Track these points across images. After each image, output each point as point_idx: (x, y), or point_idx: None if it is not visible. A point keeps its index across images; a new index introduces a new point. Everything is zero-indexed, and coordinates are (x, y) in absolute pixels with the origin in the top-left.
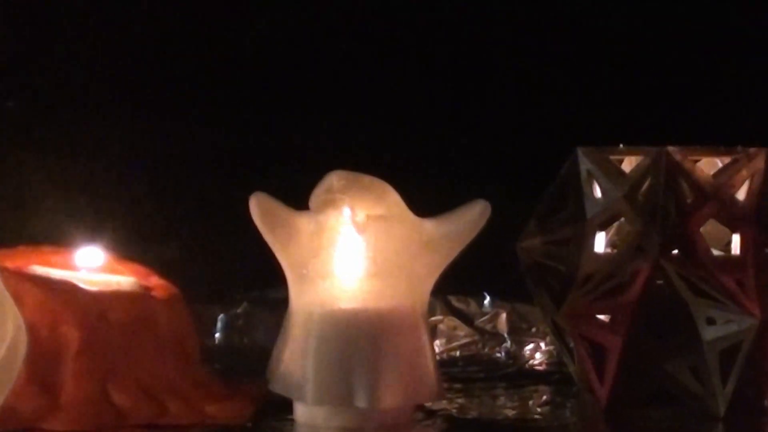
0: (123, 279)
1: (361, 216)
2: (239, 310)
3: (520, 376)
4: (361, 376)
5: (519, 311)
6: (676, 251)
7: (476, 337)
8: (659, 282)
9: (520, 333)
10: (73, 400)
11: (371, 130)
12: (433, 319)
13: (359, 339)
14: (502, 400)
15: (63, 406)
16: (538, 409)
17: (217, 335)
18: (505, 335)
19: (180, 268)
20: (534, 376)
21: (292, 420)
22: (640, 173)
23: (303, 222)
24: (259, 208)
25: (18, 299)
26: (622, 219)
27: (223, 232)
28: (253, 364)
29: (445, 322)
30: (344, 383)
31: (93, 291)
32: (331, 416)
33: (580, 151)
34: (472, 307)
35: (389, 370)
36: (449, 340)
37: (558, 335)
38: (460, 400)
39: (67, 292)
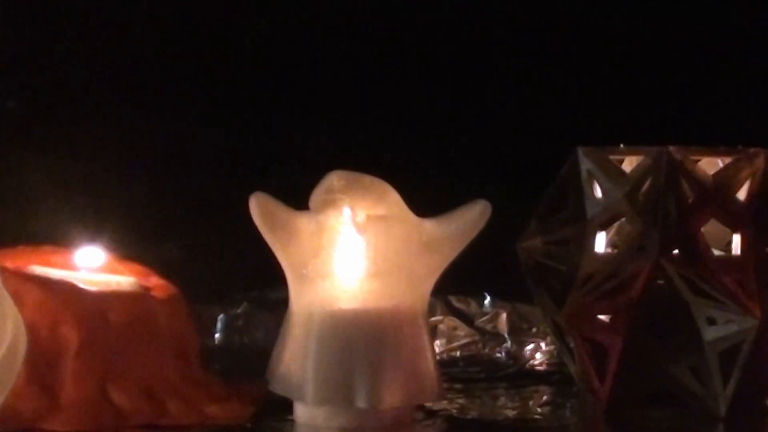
0: (123, 279)
1: (361, 216)
2: (239, 311)
3: (521, 376)
4: (362, 377)
5: (519, 311)
6: (676, 251)
7: (476, 338)
8: (660, 282)
9: (520, 333)
10: (73, 401)
11: (371, 130)
12: (433, 319)
13: (359, 339)
14: (502, 400)
15: (63, 406)
16: (539, 410)
17: (217, 335)
18: (506, 335)
19: (180, 268)
20: (534, 377)
21: (292, 420)
22: (640, 173)
23: (303, 222)
24: (259, 208)
25: (18, 299)
26: (623, 219)
27: (223, 232)
28: (253, 365)
29: (446, 322)
30: (344, 383)
31: (93, 291)
32: (331, 416)
33: (580, 151)
34: (473, 307)
35: (389, 371)
36: (449, 341)
37: (558, 335)
38: (460, 401)
39: (67, 292)
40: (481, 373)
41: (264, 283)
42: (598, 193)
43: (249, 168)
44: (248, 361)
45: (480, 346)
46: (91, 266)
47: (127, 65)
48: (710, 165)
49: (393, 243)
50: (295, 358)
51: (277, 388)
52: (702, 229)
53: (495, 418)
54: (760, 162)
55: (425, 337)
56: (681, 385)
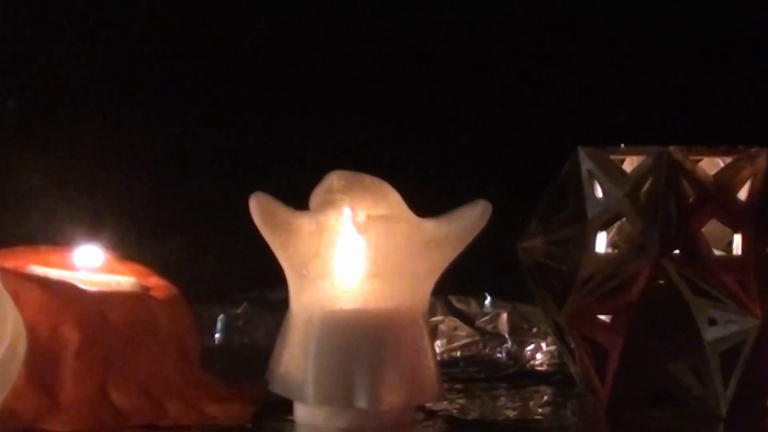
0: (123, 279)
1: (361, 216)
2: (239, 311)
3: (521, 376)
4: (362, 377)
5: (520, 311)
6: (677, 251)
7: (477, 338)
8: (660, 282)
9: (521, 333)
10: (73, 401)
11: (371, 130)
12: (433, 319)
13: (360, 339)
14: (503, 400)
15: (62, 406)
16: (539, 410)
17: (217, 335)
18: (506, 335)
19: (180, 268)
20: (535, 377)
21: (292, 421)
22: (641, 173)
23: (303, 222)
24: (259, 208)
25: (17, 299)
26: (623, 219)
27: (223, 232)
28: (253, 365)
29: (446, 323)
30: (344, 384)
31: (93, 291)
32: (332, 417)
33: (581, 151)
34: (473, 307)
35: (390, 371)
36: (450, 341)
37: (559, 335)
38: (460, 401)
39: (66, 292)
40: (482, 374)
41: (264, 283)
42: (599, 193)
43: (249, 168)
44: (248, 361)
45: (480, 346)
46: (90, 266)
47: (127, 65)
48: (711, 165)
49: (393, 243)
50: (295, 359)
51: (277, 388)
52: (703, 229)
53: (495, 418)
54: (760, 162)
55: (426, 338)
56: (681, 385)
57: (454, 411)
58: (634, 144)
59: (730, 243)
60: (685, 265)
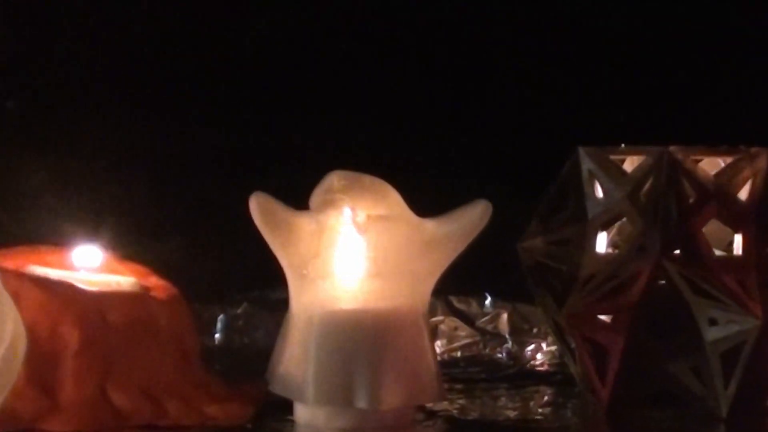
0: (123, 279)
1: (361, 216)
2: (239, 311)
3: (522, 376)
4: (362, 377)
5: (520, 312)
6: (677, 251)
7: (477, 338)
8: (661, 282)
9: (521, 333)
10: (73, 401)
11: (371, 130)
12: (434, 319)
13: (360, 340)
14: (503, 400)
15: (62, 406)
16: (540, 410)
17: (217, 335)
18: (507, 336)
19: (180, 268)
20: (535, 377)
21: (292, 421)
22: (641, 173)
23: (303, 222)
24: (259, 208)
25: (17, 300)
26: (624, 219)
27: (223, 232)
28: (253, 365)
29: (446, 323)
30: (345, 384)
31: (92, 291)
32: (332, 417)
33: (581, 151)
34: (474, 307)
35: (390, 371)
36: (450, 341)
37: (559, 336)
38: (461, 401)
39: (66, 292)
40: (482, 374)
41: (264, 283)
42: (599, 193)
43: (249, 168)
44: (248, 361)
45: (481, 346)
46: (90, 266)
47: (127, 65)
48: (711, 165)
49: (393, 243)
50: (296, 359)
51: (277, 388)
52: (703, 229)
53: (496, 418)
54: (761, 162)
55: (426, 338)
56: (682, 385)
57: (455, 411)
58: (635, 144)
59: (731, 243)
60: (685, 265)
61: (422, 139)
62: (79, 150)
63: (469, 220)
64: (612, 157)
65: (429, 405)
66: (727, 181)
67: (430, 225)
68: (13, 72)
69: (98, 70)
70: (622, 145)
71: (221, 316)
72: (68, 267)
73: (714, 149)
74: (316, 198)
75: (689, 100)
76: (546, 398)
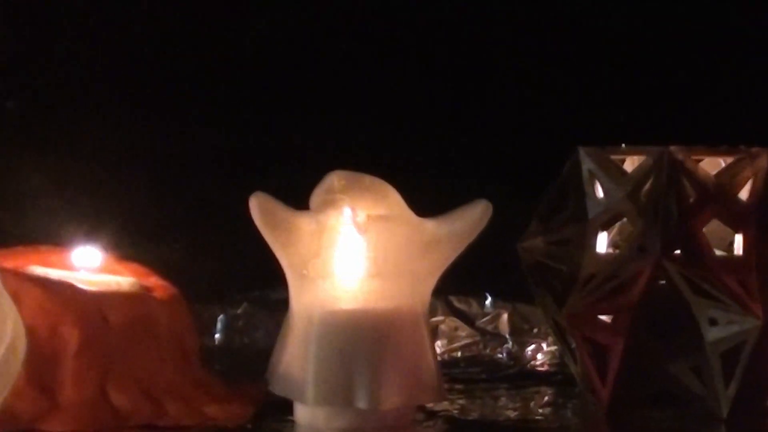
0: (123, 279)
1: (361, 216)
2: (239, 311)
3: (522, 377)
4: (362, 377)
5: (520, 312)
6: (678, 251)
7: (478, 338)
8: (661, 282)
9: (521, 334)
10: (73, 401)
11: (371, 130)
12: (434, 319)
13: (360, 340)
14: (503, 401)
15: (62, 406)
16: (540, 410)
17: (217, 335)
18: (507, 336)
19: (180, 268)
20: (536, 377)
21: (292, 421)
22: (642, 173)
23: (303, 222)
24: (259, 208)
25: (17, 300)
26: (624, 219)
27: (223, 232)
28: (253, 365)
29: (447, 323)
30: (345, 384)
31: (92, 291)
32: (332, 417)
33: (581, 151)
34: (474, 307)
35: (390, 371)
36: (450, 341)
37: (560, 336)
38: (461, 401)
39: (66, 292)
40: (482, 374)
41: (264, 283)
42: (600, 193)
43: (249, 168)
44: (248, 361)
45: (481, 346)
46: (90, 266)
47: (127, 65)
48: (712, 165)
49: (394, 243)
50: (296, 359)
51: (277, 388)
52: (704, 229)
53: (496, 418)
54: (762, 162)
55: (426, 338)
56: (682, 385)
57: (455, 411)
58: (635, 144)
59: (731, 243)
60: (686, 265)
61: (422, 139)
62: (79, 150)
63: (470, 220)
64: (612, 157)
65: (429, 405)
66: (727, 181)
67: (430, 225)
68: (13, 72)
69: (98, 70)
70: (623, 145)
71: (221, 316)
72: (68, 267)
73: (714, 149)
74: (316, 198)
75: (689, 100)
76: (546, 398)
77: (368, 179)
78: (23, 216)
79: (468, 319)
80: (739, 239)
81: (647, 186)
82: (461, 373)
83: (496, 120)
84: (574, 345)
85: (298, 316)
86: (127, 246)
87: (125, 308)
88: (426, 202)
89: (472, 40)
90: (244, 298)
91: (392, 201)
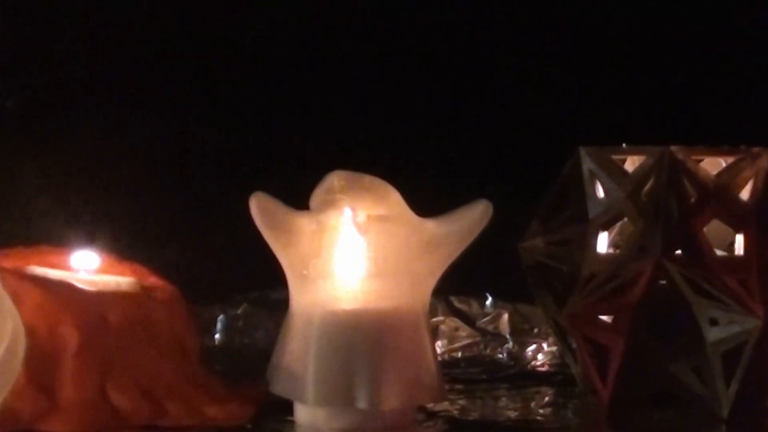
0: (122, 280)
1: (362, 216)
2: (239, 311)
3: (522, 377)
4: (362, 377)
5: (521, 312)
6: (679, 251)
7: (478, 338)
8: (662, 282)
9: (522, 334)
10: (72, 401)
11: (371, 130)
12: (434, 319)
13: (360, 340)
14: (504, 401)
15: (62, 407)
16: (541, 411)
17: (217, 336)
18: (507, 336)
19: (180, 268)
20: (536, 377)
21: (293, 421)
22: (642, 173)
23: (304, 222)
24: (259, 208)
25: (17, 300)
26: (625, 219)
27: (223, 232)
28: (253, 365)
29: (447, 323)
30: (345, 384)
31: (92, 292)
32: (332, 417)
33: (582, 151)
34: (474, 307)
35: (390, 371)
36: (451, 341)
37: (560, 336)
38: (461, 402)
39: (66, 292)
40: (483, 374)
41: (264, 284)
42: (600, 193)
43: (249, 168)
44: (248, 361)
45: (481, 346)
46: (89, 267)
47: (127, 65)
48: (713, 165)
49: (394, 243)
50: (296, 359)
51: (278, 388)
52: (704, 229)
53: (496, 419)
54: (762, 162)
55: (426, 338)
56: (683, 385)
57: (455, 412)
58: (636, 144)
59: (732, 243)
60: (686, 265)
61: (422, 139)
62: (78, 150)
63: (470, 220)
64: (613, 156)
65: (429, 405)
66: (728, 181)
67: (430, 225)
68: (13, 72)
69: (98, 70)
70: (623, 145)
71: (221, 317)
72: (68, 267)
73: (715, 149)
74: (316, 198)
75: (690, 99)
76: (547, 399)
77: (368, 179)
78: (23, 216)
79: (468, 320)
80: (739, 239)
81: (648, 186)
82: (461, 374)
83: (496, 120)
84: (574, 345)
85: (298, 316)
86: (127, 246)
87: (125, 308)
88: (426, 202)
89: (472, 40)
90: (244, 298)
91: (392, 201)
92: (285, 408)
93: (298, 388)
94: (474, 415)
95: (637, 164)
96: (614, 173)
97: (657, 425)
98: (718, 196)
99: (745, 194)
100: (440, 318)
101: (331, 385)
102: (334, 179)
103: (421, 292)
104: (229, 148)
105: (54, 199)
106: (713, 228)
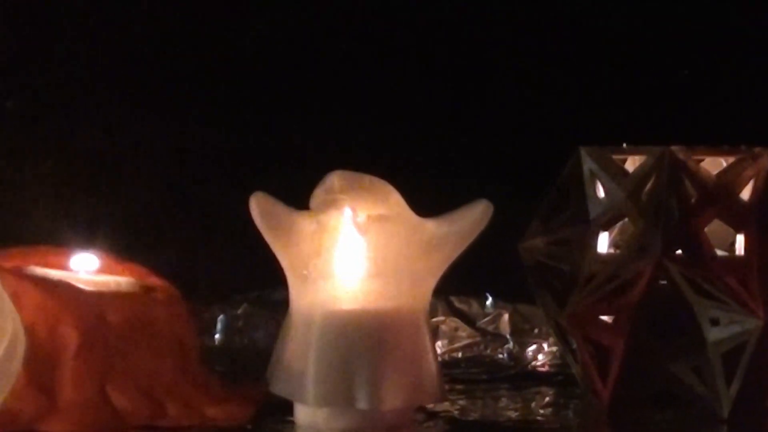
0: (122, 280)
1: (362, 216)
2: (239, 311)
3: (523, 377)
4: (362, 378)
5: (521, 312)
6: (679, 251)
7: (478, 338)
8: (662, 282)
9: (522, 334)
10: (72, 402)
11: (371, 130)
12: (434, 320)
13: (360, 340)
14: (504, 401)
15: (62, 407)
16: (541, 411)
17: (217, 336)
18: (508, 336)
19: (180, 268)
20: (536, 378)
21: (293, 422)
22: (643, 173)
23: (304, 222)
24: (259, 208)
25: (17, 300)
26: (625, 219)
27: (223, 232)
28: (253, 366)
29: (447, 323)
30: (345, 384)
31: (92, 292)
32: (332, 418)
33: (582, 151)
34: (474, 308)
35: (391, 372)
36: (451, 341)
37: (561, 336)
38: (462, 402)
39: (66, 292)
40: (483, 375)
41: (264, 284)
42: (601, 193)
43: (249, 168)
44: (248, 362)
45: (482, 347)
46: (89, 267)
47: (127, 65)
48: (713, 165)
49: (394, 243)
50: (296, 359)
51: (278, 389)
52: (705, 229)
53: (497, 419)
54: (763, 161)
55: (427, 338)
56: (684, 386)
57: (455, 412)
58: (636, 144)
59: (733, 243)
60: (687, 265)
61: (422, 139)
62: (78, 150)
63: (470, 220)
64: (613, 156)
65: (430, 406)
66: (729, 181)
67: (430, 225)
68: (13, 72)
69: (98, 70)
70: (624, 145)
71: (221, 317)
72: (68, 267)
73: (716, 149)
74: (316, 198)
75: (691, 99)
76: (547, 399)
77: (368, 179)
78: (23, 216)
79: (469, 320)
80: (740, 239)
81: (648, 186)
82: (462, 374)
83: (496, 120)
84: (575, 345)
85: (298, 316)
86: (127, 246)
87: (125, 308)
88: (426, 202)
89: (472, 40)
90: (244, 298)
91: (393, 201)
92: (285, 408)
93: (298, 389)
94: (474, 416)
95: (637, 164)
96: (615, 173)
97: (657, 425)
98: (718, 196)
99: (745, 194)
100: (440, 318)
101: (331, 385)
102: (334, 179)
103: (421, 292)
104: (229, 148)
105: (54, 199)
106: (714, 228)
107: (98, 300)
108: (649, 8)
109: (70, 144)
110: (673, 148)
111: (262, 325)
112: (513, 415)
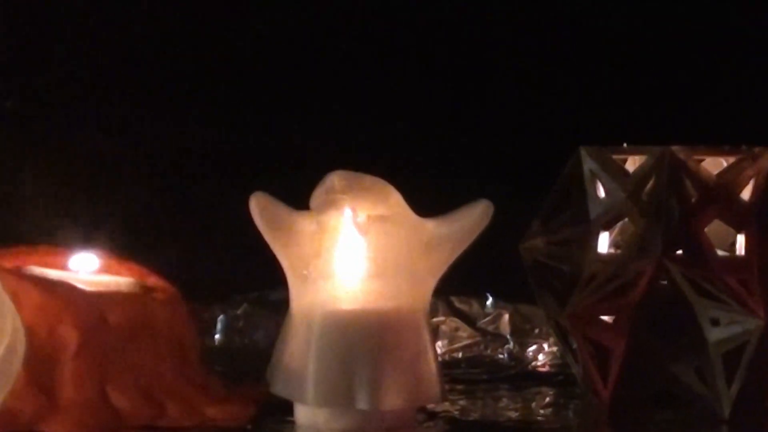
0: (122, 280)
1: (362, 216)
2: (239, 311)
3: (523, 377)
4: (363, 378)
5: (522, 312)
6: (680, 251)
7: (479, 339)
8: (663, 282)
9: (522, 334)
10: (72, 402)
11: (371, 130)
12: (435, 320)
13: (360, 340)
14: (504, 401)
15: (61, 407)
16: (541, 411)
17: (217, 336)
18: (508, 336)
19: (180, 268)
20: (537, 378)
21: (293, 422)
22: (643, 173)
23: (304, 222)
24: (259, 208)
25: (16, 300)
26: (626, 219)
27: (223, 232)
28: (253, 366)
29: (448, 323)
30: (345, 385)
31: (92, 292)
32: (332, 418)
33: (583, 151)
34: (475, 308)
35: (391, 372)
36: (451, 342)
37: (561, 336)
38: (462, 402)
39: (65, 293)
40: (483, 375)
41: (264, 284)
42: (601, 192)
43: (249, 168)
44: (248, 362)
45: (482, 347)
46: (89, 267)
47: (127, 65)
48: (714, 164)
49: (394, 243)
50: (296, 359)
51: (278, 389)
52: (706, 229)
53: (497, 419)
54: (764, 161)
55: (427, 338)
56: (684, 386)
57: (456, 412)
58: (637, 143)
59: (734, 243)
60: (688, 265)
61: (422, 139)
62: (78, 150)
63: (470, 220)
64: (614, 156)
65: (430, 406)
66: (729, 180)
67: (430, 225)
68: (13, 72)
69: (98, 70)
70: (624, 145)
71: (221, 317)
72: (67, 267)
73: (716, 149)
74: (316, 198)
75: (691, 99)
76: (547, 399)
77: (369, 179)
78: (22, 216)
79: (469, 320)
80: (741, 239)
81: (649, 186)
82: (462, 374)
83: (496, 120)
84: (575, 345)
85: (298, 316)
86: (127, 246)
87: (125, 308)
88: (426, 202)
89: (472, 40)
90: (244, 298)
91: (393, 201)
92: (285, 408)
93: (298, 389)
94: (474, 416)
95: (638, 164)
96: (615, 173)
97: (657, 425)
98: (719, 196)
99: (746, 194)
100: (441, 318)
101: (331, 385)
102: (334, 179)
103: (421, 292)
104: (229, 148)
105: (54, 199)
106: (714, 228)
107: (98, 300)
108: (649, 8)
109: (70, 144)
110: (674, 148)
111: (262, 325)
112: (513, 415)
